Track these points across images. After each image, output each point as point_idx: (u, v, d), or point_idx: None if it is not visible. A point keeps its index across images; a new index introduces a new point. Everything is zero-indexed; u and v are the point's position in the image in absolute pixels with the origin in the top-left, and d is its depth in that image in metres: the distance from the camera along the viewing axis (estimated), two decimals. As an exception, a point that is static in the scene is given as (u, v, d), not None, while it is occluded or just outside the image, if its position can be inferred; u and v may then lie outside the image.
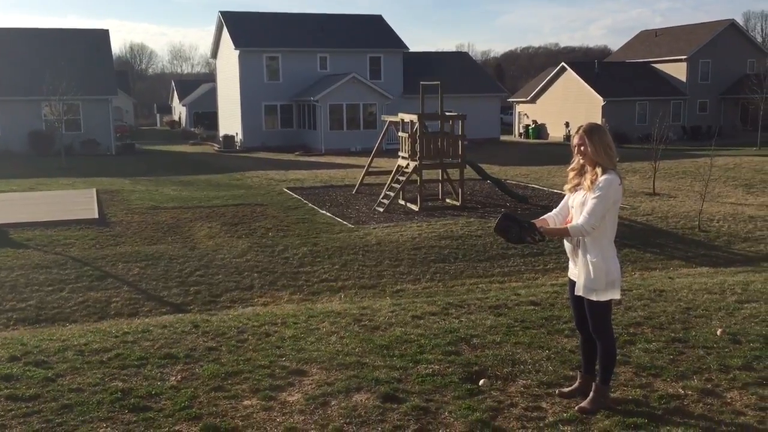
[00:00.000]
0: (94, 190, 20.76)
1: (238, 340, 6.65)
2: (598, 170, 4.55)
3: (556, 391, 5.11)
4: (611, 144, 4.60)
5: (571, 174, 4.77)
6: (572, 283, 4.89)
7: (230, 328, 7.14)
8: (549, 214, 4.92)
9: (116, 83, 40.96)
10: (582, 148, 4.59)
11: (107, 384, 5.45)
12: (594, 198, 4.51)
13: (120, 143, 38.64)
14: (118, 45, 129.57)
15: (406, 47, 42.59)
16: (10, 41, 36.55)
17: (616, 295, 4.70)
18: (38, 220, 15.49)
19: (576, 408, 4.80)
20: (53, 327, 9.04)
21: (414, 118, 18.19)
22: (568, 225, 4.64)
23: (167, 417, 4.80)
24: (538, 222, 4.73)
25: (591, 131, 4.61)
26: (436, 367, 5.71)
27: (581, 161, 4.68)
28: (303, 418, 4.78)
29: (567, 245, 4.83)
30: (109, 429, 4.62)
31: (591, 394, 4.83)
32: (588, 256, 4.62)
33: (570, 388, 5.08)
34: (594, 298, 4.64)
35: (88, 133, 36.03)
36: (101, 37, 40.47)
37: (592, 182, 4.56)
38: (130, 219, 16.20)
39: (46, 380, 5.54)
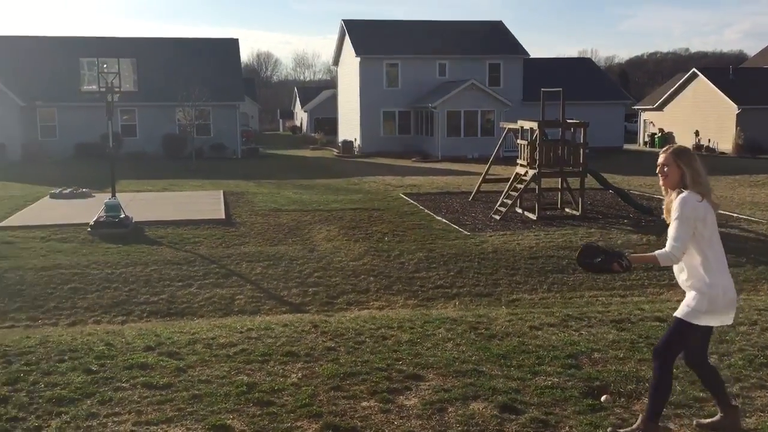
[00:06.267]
0: (221, 191, 21.77)
1: (355, 342, 6.77)
2: (673, 194, 4.27)
3: (695, 422, 4.79)
4: (700, 170, 4.26)
5: (667, 201, 4.48)
6: None
7: (348, 329, 7.27)
8: None
9: (244, 90, 42.82)
10: (666, 169, 4.29)
11: (233, 377, 5.69)
12: (673, 221, 4.21)
13: (245, 147, 40.36)
14: (246, 53, 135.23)
15: (526, 53, 41.98)
16: (149, 49, 38.93)
17: (713, 322, 4.34)
18: (170, 219, 16.42)
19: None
20: (182, 320, 9.54)
21: (534, 125, 17.87)
22: (656, 252, 4.33)
23: (289, 413, 4.95)
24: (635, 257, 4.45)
25: (679, 153, 4.30)
26: (556, 379, 5.58)
27: (661, 184, 4.40)
28: (420, 422, 4.80)
29: (676, 275, 4.51)
30: (235, 421, 4.83)
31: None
32: (692, 282, 4.31)
33: (711, 420, 4.71)
34: (686, 317, 4.29)
35: (217, 138, 37.89)
36: (231, 46, 42.47)
37: (667, 209, 4.31)
38: (253, 220, 16.86)
39: (178, 370, 5.85)
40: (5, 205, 18.80)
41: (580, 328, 7.26)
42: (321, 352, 6.41)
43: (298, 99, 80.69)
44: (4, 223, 15.89)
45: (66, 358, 6.24)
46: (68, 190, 20.57)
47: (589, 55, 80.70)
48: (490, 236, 15.09)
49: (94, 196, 20.05)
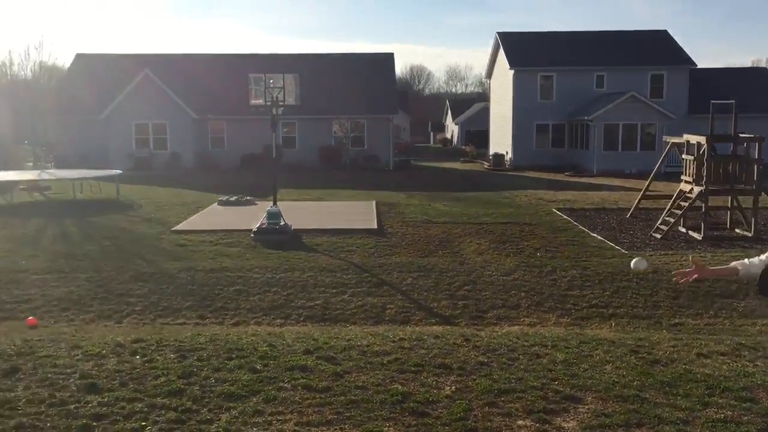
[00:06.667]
0: (374, 202, 22.29)
1: (508, 358, 6.67)
2: None
3: None
4: None
5: None
6: None
7: (500, 345, 7.18)
8: None
9: (397, 103, 43.67)
10: None
11: (388, 385, 5.79)
12: None
13: (397, 159, 41.09)
14: (399, 67, 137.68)
15: (693, 63, 39.64)
16: (310, 65, 40.67)
17: None
18: (326, 227, 17.04)
19: None
20: (336, 326, 9.84)
21: (702, 139, 16.83)
22: None
23: (444, 425, 4.96)
24: None
25: None
26: (729, 413, 5.19)
27: None
28: (579, 447, 4.64)
29: None
30: (391, 429, 4.91)
31: None
32: None
33: None
34: None
35: (371, 149, 38.88)
36: (386, 60, 43.47)
37: None
38: (404, 231, 17.10)
39: (336, 375, 6.04)
40: (179, 210, 20.37)
41: (754, 358, 6.73)
42: (474, 366, 6.37)
43: (449, 111, 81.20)
44: (178, 227, 17.22)
45: (233, 356, 6.63)
46: (234, 198, 21.94)
47: (764, 65, 74.91)
48: (650, 255, 14.36)
49: (256, 204, 21.22)
